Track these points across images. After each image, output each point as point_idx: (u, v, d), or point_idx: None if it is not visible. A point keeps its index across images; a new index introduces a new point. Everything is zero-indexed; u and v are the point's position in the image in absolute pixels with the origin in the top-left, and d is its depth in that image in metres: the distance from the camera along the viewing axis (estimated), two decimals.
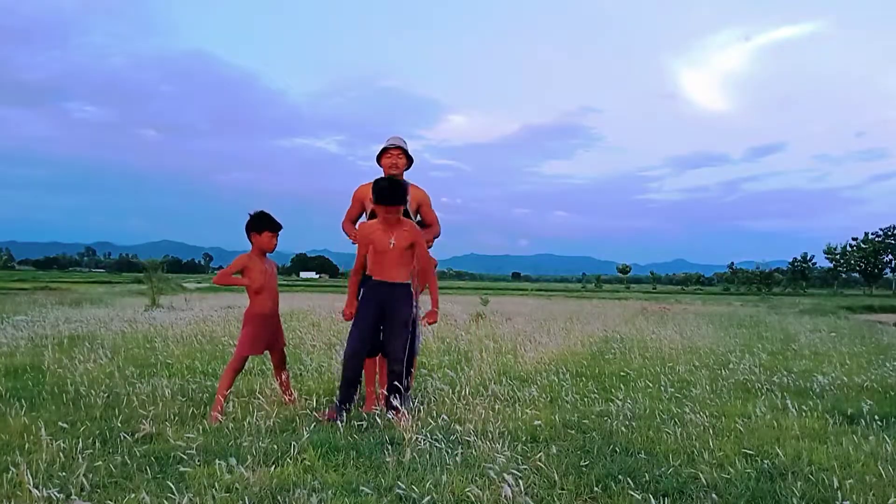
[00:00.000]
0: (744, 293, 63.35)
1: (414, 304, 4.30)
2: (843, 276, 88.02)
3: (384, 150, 4.52)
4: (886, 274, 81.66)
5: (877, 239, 78.69)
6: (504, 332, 9.40)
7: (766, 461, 3.19)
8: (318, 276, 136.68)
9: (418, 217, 4.62)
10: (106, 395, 4.48)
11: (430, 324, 4.22)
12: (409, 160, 4.57)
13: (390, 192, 3.98)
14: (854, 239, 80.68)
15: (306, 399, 4.51)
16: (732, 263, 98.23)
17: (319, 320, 10.75)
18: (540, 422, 3.91)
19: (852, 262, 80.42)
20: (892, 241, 78.09)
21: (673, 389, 5.15)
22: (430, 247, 4.98)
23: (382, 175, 4.45)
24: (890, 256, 78.63)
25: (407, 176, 4.66)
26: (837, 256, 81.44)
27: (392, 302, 4.15)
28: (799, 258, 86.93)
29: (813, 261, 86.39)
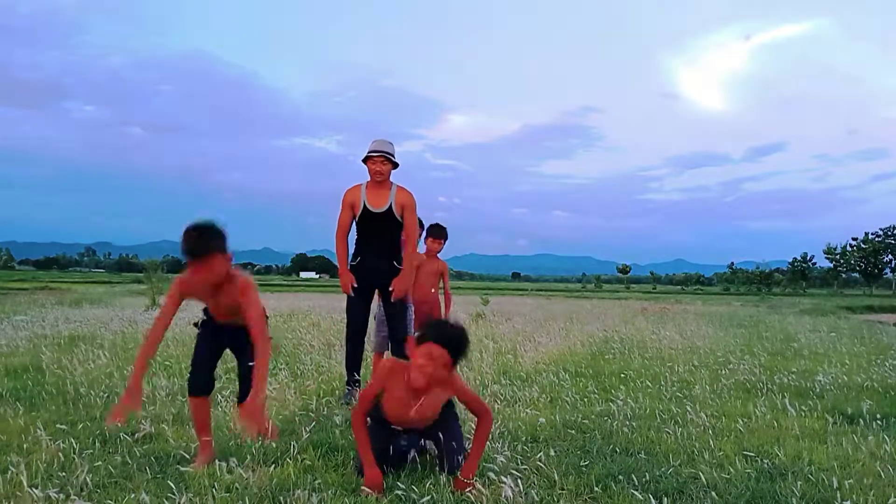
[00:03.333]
0: (744, 293, 63.37)
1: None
2: (843, 276, 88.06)
3: (368, 156, 4.56)
4: (886, 274, 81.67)
5: (877, 239, 78.70)
6: (504, 332, 9.40)
7: (766, 461, 3.20)
8: (318, 276, 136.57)
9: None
10: (106, 395, 4.48)
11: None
12: (395, 165, 4.60)
13: None
14: (854, 239, 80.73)
15: (305, 399, 4.51)
16: (732, 263, 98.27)
17: (319, 320, 10.75)
18: (542, 420, 3.91)
19: (852, 262, 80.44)
20: (892, 241, 78.10)
21: (673, 389, 5.15)
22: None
23: (369, 178, 4.58)
24: (890, 256, 78.65)
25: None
26: (837, 256, 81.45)
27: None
28: (799, 258, 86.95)
29: (813, 261, 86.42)
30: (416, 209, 4.68)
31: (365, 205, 4.55)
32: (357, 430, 2.85)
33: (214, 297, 2.99)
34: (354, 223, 4.64)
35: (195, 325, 3.19)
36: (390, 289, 4.59)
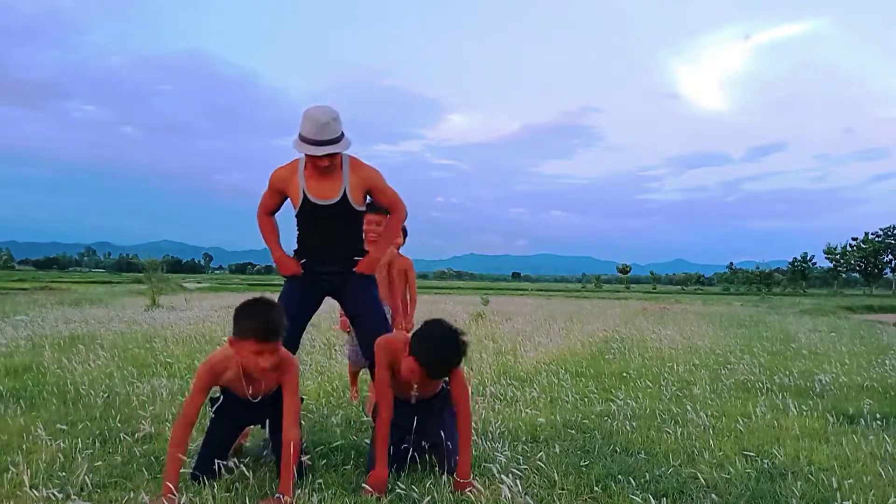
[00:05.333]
0: (744, 293, 63.34)
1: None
2: (843, 276, 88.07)
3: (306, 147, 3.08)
4: (886, 274, 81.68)
5: (877, 239, 78.71)
6: (504, 332, 9.40)
7: (766, 461, 3.20)
8: None
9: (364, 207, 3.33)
10: (106, 395, 4.48)
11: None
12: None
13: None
14: (854, 239, 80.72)
15: (305, 399, 4.51)
16: (732, 263, 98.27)
17: (319, 320, 10.74)
18: (542, 420, 3.92)
19: (852, 262, 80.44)
20: (892, 241, 78.11)
21: (673, 389, 5.15)
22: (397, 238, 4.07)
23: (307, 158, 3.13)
24: (890, 256, 78.67)
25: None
26: (837, 256, 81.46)
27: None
28: (799, 258, 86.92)
29: (813, 261, 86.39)
30: (385, 182, 3.31)
31: (306, 196, 3.19)
32: (380, 426, 2.82)
33: (251, 384, 2.75)
34: (295, 214, 3.31)
35: (211, 404, 2.88)
36: (354, 269, 3.27)
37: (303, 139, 3.05)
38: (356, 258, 3.33)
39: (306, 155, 3.09)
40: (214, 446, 2.83)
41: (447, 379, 2.97)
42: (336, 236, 3.29)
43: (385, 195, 3.30)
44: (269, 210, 3.36)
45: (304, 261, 3.32)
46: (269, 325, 2.55)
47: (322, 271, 3.30)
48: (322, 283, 3.32)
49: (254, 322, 2.55)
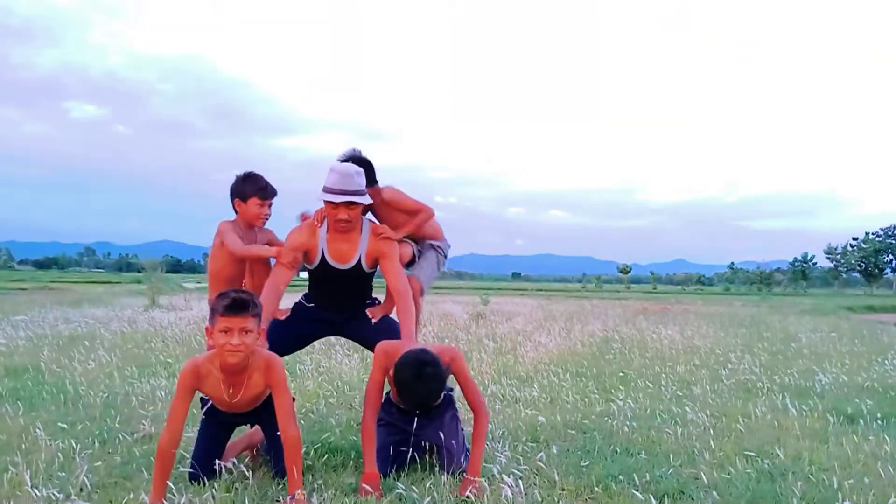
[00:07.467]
0: (744, 293, 63.31)
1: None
2: (844, 276, 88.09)
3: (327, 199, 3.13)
4: (887, 274, 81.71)
5: (877, 239, 78.75)
6: (504, 332, 9.40)
7: (766, 461, 3.19)
8: None
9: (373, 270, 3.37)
10: (105, 395, 4.49)
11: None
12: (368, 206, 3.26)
13: None
14: (854, 239, 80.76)
15: (304, 399, 4.50)
16: (733, 263, 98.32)
17: None
18: (543, 420, 3.91)
19: (853, 262, 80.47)
20: (893, 241, 78.14)
21: (673, 389, 5.15)
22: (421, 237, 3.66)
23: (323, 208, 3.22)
24: (890, 256, 78.71)
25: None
26: (838, 256, 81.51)
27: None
28: (799, 258, 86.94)
29: (813, 261, 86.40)
30: (398, 256, 3.35)
31: (324, 257, 3.27)
32: (365, 428, 2.83)
33: (234, 388, 2.67)
34: (308, 270, 3.42)
35: (201, 405, 2.89)
36: (371, 316, 3.39)
37: (325, 189, 3.12)
38: (366, 303, 3.50)
39: (325, 204, 3.15)
40: (206, 448, 2.81)
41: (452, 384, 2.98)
42: (346, 293, 3.43)
43: (391, 268, 3.29)
44: (281, 282, 3.27)
45: (312, 305, 3.48)
46: (234, 300, 2.52)
47: (334, 306, 3.45)
48: (329, 321, 3.48)
49: (220, 299, 2.56)
